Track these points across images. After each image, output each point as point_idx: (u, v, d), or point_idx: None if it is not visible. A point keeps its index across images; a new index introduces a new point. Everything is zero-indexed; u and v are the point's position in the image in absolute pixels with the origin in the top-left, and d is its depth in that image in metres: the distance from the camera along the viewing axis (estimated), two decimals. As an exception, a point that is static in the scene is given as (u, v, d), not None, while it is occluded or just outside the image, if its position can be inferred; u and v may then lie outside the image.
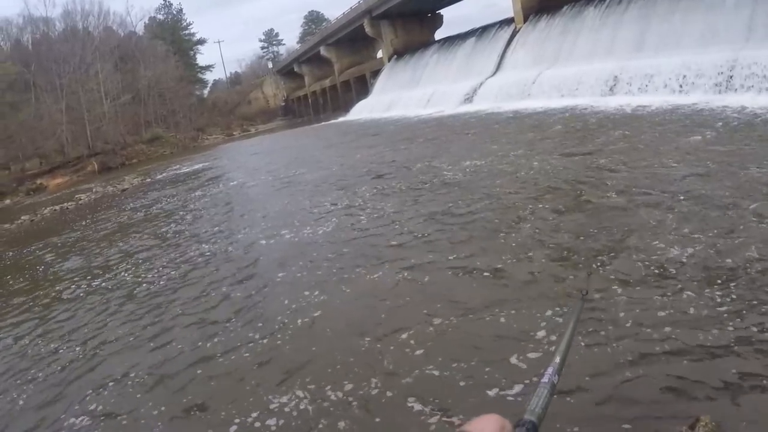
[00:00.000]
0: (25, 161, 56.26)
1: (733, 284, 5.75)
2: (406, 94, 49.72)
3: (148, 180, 34.45)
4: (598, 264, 6.84)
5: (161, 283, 10.11)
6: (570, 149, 14.85)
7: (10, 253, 17.70)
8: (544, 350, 5.18)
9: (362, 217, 11.75)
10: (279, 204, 14.91)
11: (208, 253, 11.53)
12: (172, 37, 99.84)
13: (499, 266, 7.47)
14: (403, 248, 9.12)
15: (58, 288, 11.50)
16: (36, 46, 68.38)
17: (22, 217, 27.07)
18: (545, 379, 1.97)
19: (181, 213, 17.99)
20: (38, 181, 52.45)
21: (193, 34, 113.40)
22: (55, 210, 28.07)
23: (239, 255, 10.66)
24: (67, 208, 28.15)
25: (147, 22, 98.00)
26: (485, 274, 7.34)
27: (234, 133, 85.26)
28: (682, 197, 8.69)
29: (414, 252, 8.79)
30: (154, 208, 20.81)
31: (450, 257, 8.23)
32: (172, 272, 10.57)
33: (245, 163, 31.76)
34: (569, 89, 28.70)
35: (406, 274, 7.91)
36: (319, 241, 10.36)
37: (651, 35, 27.40)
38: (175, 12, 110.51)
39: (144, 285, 10.22)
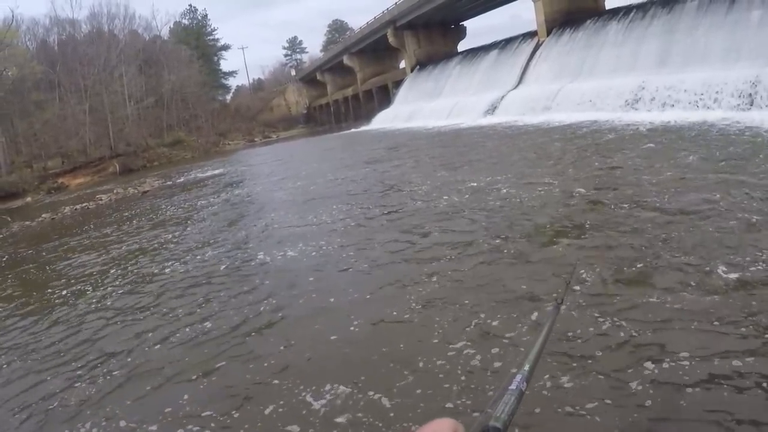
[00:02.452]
0: (47, 160, 56.66)
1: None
2: (428, 105, 49.83)
3: (169, 183, 34.57)
4: (579, 273, 6.88)
5: (184, 281, 10.16)
6: (590, 163, 14.82)
7: (30, 251, 17.77)
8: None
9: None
10: (297, 216, 14.82)
11: (222, 256, 11.61)
12: (197, 42, 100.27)
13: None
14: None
15: (81, 285, 11.57)
16: (62, 47, 68.88)
17: (43, 215, 27.19)
18: (513, 386, 1.93)
19: (200, 216, 18.06)
20: (59, 180, 52.75)
21: (217, 40, 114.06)
22: (75, 209, 28.17)
23: (252, 265, 10.63)
24: (88, 207, 28.25)
25: (172, 26, 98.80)
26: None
27: (255, 139, 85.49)
28: (697, 216, 8.63)
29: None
30: (174, 210, 20.88)
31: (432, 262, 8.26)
32: (195, 271, 10.61)
33: (265, 170, 31.74)
34: (591, 103, 28.62)
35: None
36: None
37: (674, 50, 27.37)
38: (200, 17, 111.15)
39: (168, 282, 10.30)
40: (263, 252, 11.04)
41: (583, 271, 6.93)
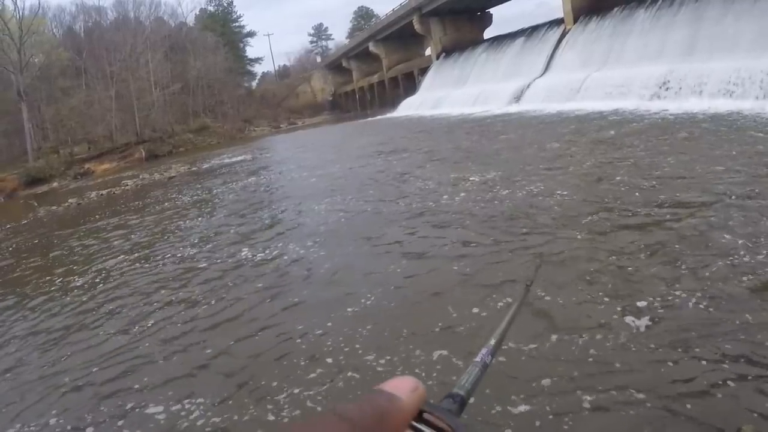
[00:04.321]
0: (74, 146, 57.20)
1: None
2: (453, 92, 49.68)
3: (194, 169, 34.66)
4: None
5: (216, 267, 10.16)
6: (613, 153, 14.70)
7: (55, 236, 17.88)
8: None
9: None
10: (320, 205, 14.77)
11: (250, 241, 11.62)
12: (222, 29, 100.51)
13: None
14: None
15: (108, 267, 11.66)
16: (88, 34, 69.47)
17: (70, 200, 27.45)
18: (478, 359, 1.93)
19: (228, 201, 18.13)
20: (86, 166, 53.16)
21: (242, 27, 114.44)
22: (101, 195, 28.39)
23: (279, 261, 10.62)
24: (114, 193, 28.45)
25: (198, 13, 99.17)
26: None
27: (281, 125, 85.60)
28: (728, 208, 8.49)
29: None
30: (198, 195, 20.97)
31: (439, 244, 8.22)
32: (227, 258, 10.62)
33: (291, 156, 31.81)
34: (618, 92, 28.36)
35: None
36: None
37: (703, 38, 27.03)
38: (225, 4, 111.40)
39: (202, 269, 10.30)
40: (282, 243, 10.98)
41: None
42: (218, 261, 10.39)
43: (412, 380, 1.60)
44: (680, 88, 24.61)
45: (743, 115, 17.96)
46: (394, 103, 63.77)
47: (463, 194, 12.16)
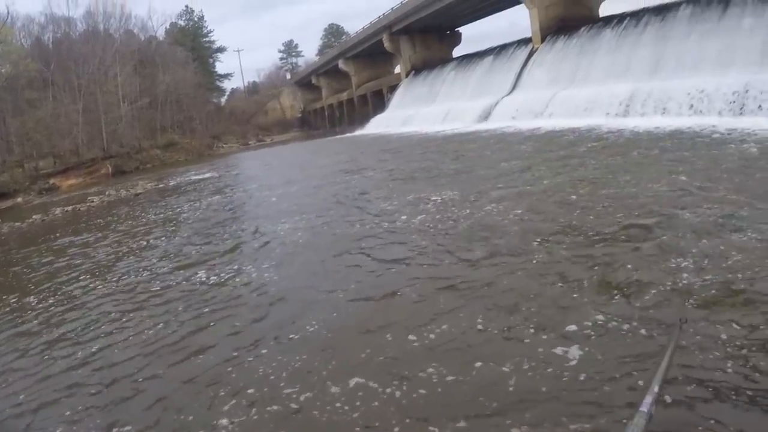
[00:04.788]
0: (39, 160, 56.41)
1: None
2: (422, 110, 49.98)
3: (161, 186, 34.48)
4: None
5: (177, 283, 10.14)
6: (573, 172, 14.76)
7: (20, 254, 17.67)
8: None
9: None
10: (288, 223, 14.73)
11: (214, 260, 11.58)
12: (192, 43, 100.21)
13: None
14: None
15: (67, 287, 11.52)
16: (56, 45, 68.85)
17: (34, 216, 27.15)
18: (643, 408, 1.93)
19: (192, 219, 18.05)
20: (51, 181, 52.69)
21: (213, 42, 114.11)
22: (66, 211, 28.11)
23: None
24: (79, 209, 28.17)
25: (168, 27, 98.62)
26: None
27: (249, 142, 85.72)
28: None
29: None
30: (165, 213, 20.83)
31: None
32: (189, 274, 10.56)
33: (257, 174, 31.86)
34: (585, 109, 28.67)
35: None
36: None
37: (667, 57, 27.51)
38: (196, 19, 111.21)
39: (158, 283, 10.31)
40: (238, 266, 10.90)
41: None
42: (173, 284, 10.28)
43: None
44: (646, 106, 24.92)
45: (706, 132, 18.15)
46: (363, 121, 63.98)
47: (421, 216, 12.09)
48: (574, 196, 11.54)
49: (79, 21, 74.40)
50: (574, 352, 5.32)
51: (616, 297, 6.34)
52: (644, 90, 25.89)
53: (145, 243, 15.13)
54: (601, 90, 29.04)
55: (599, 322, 5.78)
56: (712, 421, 3.98)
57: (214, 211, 18.94)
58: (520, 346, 5.63)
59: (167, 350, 7.20)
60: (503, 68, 42.90)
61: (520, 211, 10.98)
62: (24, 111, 57.66)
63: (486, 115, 37.78)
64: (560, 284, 6.94)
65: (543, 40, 39.21)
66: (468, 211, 11.82)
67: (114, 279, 11.50)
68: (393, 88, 63.54)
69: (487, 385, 5.03)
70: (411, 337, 6.23)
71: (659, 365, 2.32)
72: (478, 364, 5.41)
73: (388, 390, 5.20)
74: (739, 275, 6.37)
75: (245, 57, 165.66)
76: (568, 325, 5.84)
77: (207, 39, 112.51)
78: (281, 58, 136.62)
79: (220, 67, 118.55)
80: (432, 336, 6.17)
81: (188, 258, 12.25)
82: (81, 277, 12.23)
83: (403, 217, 12.29)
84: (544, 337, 5.72)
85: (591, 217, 9.65)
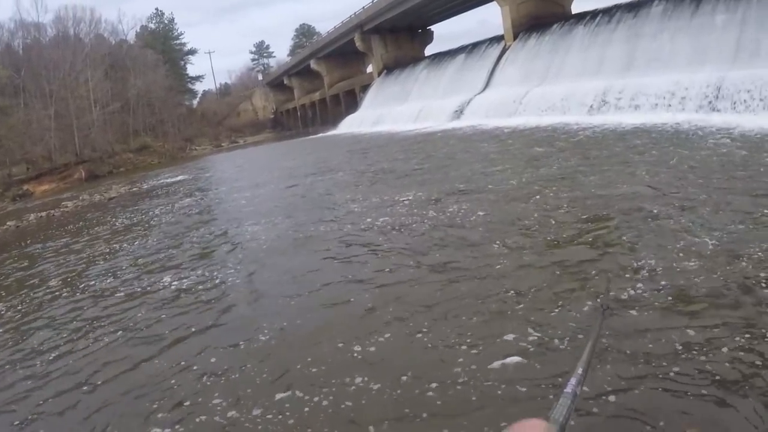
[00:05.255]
0: (11, 166, 55.90)
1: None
2: (395, 109, 50.06)
3: (135, 189, 34.24)
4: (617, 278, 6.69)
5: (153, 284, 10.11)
6: (540, 170, 14.85)
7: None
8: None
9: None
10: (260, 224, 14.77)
11: (187, 260, 11.63)
12: (163, 46, 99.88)
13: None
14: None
15: (44, 292, 11.48)
16: (27, 51, 68.29)
17: (8, 223, 26.94)
18: (568, 389, 2.00)
19: (163, 222, 18.00)
20: (24, 187, 52.13)
21: (184, 44, 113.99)
22: (41, 216, 27.90)
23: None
24: (53, 215, 27.98)
25: (138, 30, 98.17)
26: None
27: (222, 144, 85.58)
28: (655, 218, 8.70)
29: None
30: (137, 217, 20.73)
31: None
32: (165, 278, 10.53)
33: (228, 176, 31.80)
34: (558, 107, 28.88)
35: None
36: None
37: (640, 54, 27.71)
38: (166, 21, 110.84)
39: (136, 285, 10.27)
40: (202, 270, 10.83)
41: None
42: (138, 290, 10.18)
43: (543, 423, 1.63)
44: (619, 103, 25.11)
45: (679, 129, 18.42)
46: (335, 121, 64.20)
47: (384, 218, 12.04)
48: (538, 197, 11.61)
49: (48, 26, 74.06)
50: (510, 363, 5.26)
51: (558, 308, 6.24)
52: (617, 87, 26.13)
53: (117, 246, 15.01)
54: (574, 87, 29.27)
55: (537, 335, 5.71)
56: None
57: (184, 215, 18.73)
58: (458, 356, 5.58)
59: (116, 358, 7.17)
60: (476, 66, 43.13)
61: (482, 214, 10.98)
62: (-5, 118, 57.25)
63: (459, 114, 38.00)
64: (512, 292, 6.87)
65: (515, 37, 39.42)
66: (432, 213, 11.82)
67: (81, 285, 11.36)
68: (365, 88, 63.64)
69: (414, 396, 5.01)
70: (355, 347, 6.17)
71: (584, 349, 2.42)
72: (407, 375, 5.35)
73: (316, 400, 5.20)
74: (687, 281, 6.39)
75: (216, 59, 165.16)
76: (507, 334, 5.79)
77: (178, 42, 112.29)
78: (253, 60, 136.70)
79: (192, 70, 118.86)
80: (372, 348, 6.10)
81: (154, 264, 12.12)
82: (50, 283, 12.13)
83: (368, 220, 12.25)
84: (482, 348, 5.66)
85: (552, 221, 9.65)
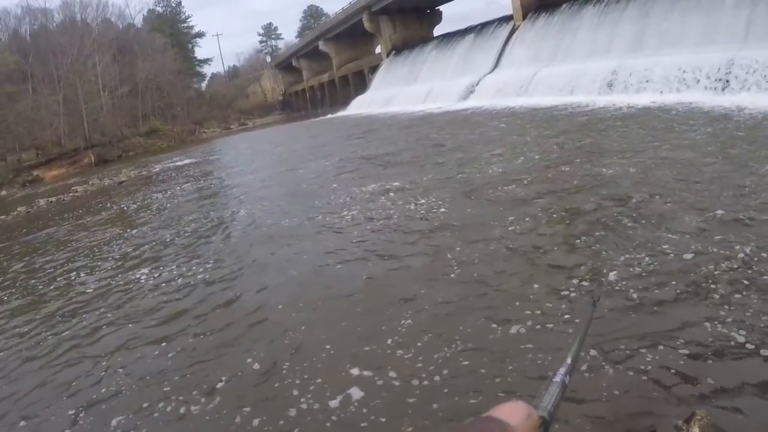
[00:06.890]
0: (21, 152, 56.05)
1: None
2: (404, 89, 49.96)
3: (144, 173, 34.33)
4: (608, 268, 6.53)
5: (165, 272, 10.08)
6: (550, 153, 14.72)
7: (4, 244, 17.62)
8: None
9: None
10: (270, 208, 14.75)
11: (198, 240, 11.68)
12: (171, 29, 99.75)
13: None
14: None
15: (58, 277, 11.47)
16: (34, 37, 68.29)
17: (18, 209, 26.98)
18: (557, 379, 1.98)
19: (166, 208, 18.01)
20: (34, 173, 52.40)
21: (191, 27, 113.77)
22: (51, 201, 27.97)
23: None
24: (64, 199, 28.05)
25: (145, 14, 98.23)
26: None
27: (231, 126, 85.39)
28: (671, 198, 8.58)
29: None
30: (150, 199, 20.80)
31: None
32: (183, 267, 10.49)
33: (235, 160, 32.22)
34: (567, 87, 28.67)
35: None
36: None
37: (650, 34, 27.44)
38: (174, 4, 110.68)
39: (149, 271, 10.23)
40: (189, 260, 10.82)
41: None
42: (142, 279, 9.99)
43: (525, 406, 1.59)
44: (628, 83, 24.89)
45: (689, 109, 18.21)
46: (344, 102, 63.97)
47: (377, 209, 11.74)
48: (544, 179, 11.53)
49: (56, 12, 74.07)
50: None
51: (536, 312, 5.90)
52: (627, 67, 25.85)
53: (123, 231, 15.08)
54: (583, 67, 29.02)
55: (498, 339, 5.51)
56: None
57: (190, 201, 18.67)
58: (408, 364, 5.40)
59: (92, 349, 7.20)
60: (485, 46, 42.90)
61: (473, 202, 10.84)
62: (4, 105, 57.17)
63: (468, 94, 37.80)
64: (485, 293, 6.61)
65: (524, 17, 39.13)
66: (430, 204, 11.38)
67: (77, 275, 11.33)
68: (374, 69, 63.44)
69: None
70: (310, 353, 5.96)
71: (574, 340, 2.40)
72: (354, 388, 5.11)
73: (245, 411, 5.06)
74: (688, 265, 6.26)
75: (224, 42, 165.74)
76: (470, 342, 5.54)
77: (185, 25, 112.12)
78: (261, 42, 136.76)
79: (200, 53, 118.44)
80: (332, 351, 5.88)
81: (154, 251, 12.08)
82: (49, 275, 12.05)
83: (356, 208, 12.14)
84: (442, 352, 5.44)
85: (557, 205, 9.51)
